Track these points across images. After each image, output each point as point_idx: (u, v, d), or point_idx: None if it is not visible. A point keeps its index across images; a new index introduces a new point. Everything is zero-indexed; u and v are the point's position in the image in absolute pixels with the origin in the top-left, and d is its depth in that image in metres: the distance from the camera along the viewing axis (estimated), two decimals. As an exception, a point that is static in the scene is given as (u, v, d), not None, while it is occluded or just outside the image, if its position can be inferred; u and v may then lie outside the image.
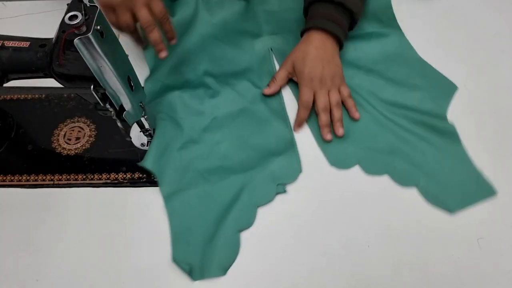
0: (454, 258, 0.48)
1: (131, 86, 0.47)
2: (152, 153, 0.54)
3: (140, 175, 0.55)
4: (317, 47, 0.60)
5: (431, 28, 0.70)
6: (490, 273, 0.47)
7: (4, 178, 0.56)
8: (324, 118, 0.58)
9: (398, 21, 0.70)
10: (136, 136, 0.58)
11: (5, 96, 0.63)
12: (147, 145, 0.57)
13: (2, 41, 0.44)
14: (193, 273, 0.47)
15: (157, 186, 0.54)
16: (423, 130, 0.57)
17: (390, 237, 0.50)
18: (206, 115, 0.59)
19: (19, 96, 0.64)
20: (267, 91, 0.61)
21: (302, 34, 0.63)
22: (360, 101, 0.60)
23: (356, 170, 0.55)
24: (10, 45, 0.44)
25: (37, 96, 0.64)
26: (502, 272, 0.47)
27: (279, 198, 0.53)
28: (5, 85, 0.46)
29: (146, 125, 0.56)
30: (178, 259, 0.48)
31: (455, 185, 0.53)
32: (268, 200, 0.52)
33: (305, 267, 0.48)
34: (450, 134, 0.57)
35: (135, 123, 0.54)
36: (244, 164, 0.55)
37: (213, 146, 0.56)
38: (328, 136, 0.57)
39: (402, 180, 0.54)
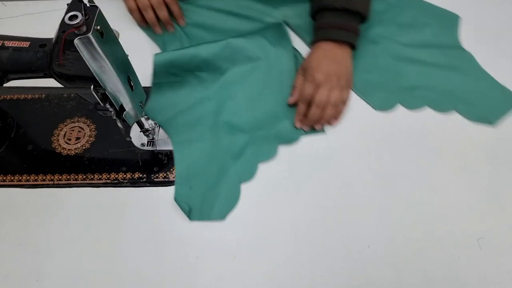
0: (454, 258, 0.48)
1: (131, 86, 0.47)
2: (158, 104, 0.58)
3: (140, 175, 0.55)
4: (326, 50, 0.60)
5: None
6: (490, 273, 0.47)
7: (4, 178, 0.56)
8: (313, 112, 0.57)
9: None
10: (136, 136, 0.58)
11: (5, 96, 0.63)
12: (147, 145, 0.58)
13: (2, 41, 0.44)
14: (192, 213, 0.52)
15: (156, 186, 0.55)
16: (444, 61, 0.64)
17: (390, 237, 0.50)
18: (221, 70, 0.62)
19: (19, 96, 0.64)
20: (291, 99, 0.60)
21: (313, 44, 0.63)
22: (384, 47, 0.66)
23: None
24: (10, 45, 0.44)
25: (37, 96, 0.64)
26: (502, 272, 0.47)
27: (279, 198, 0.53)
28: (5, 85, 0.46)
29: (146, 125, 0.56)
30: (179, 199, 0.52)
31: (486, 100, 0.60)
32: (269, 157, 0.56)
33: (305, 267, 0.48)
34: (468, 58, 0.64)
35: (135, 123, 0.54)
36: (250, 124, 0.59)
37: (224, 102, 0.59)
38: (298, 124, 0.59)
39: (442, 107, 0.60)
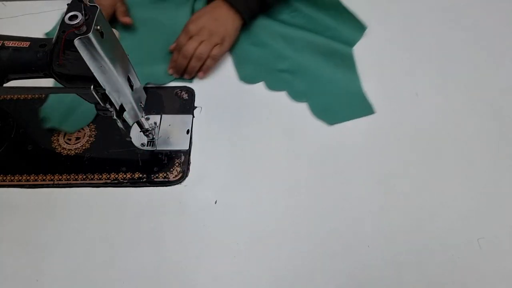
0: (454, 258, 0.48)
1: (131, 86, 0.47)
2: None
3: (140, 175, 0.55)
4: (214, 7, 0.63)
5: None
6: (490, 273, 0.47)
7: (4, 178, 0.56)
8: (180, 61, 0.61)
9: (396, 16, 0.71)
10: (136, 136, 0.58)
11: (5, 96, 0.63)
12: (147, 145, 0.58)
13: (2, 41, 0.44)
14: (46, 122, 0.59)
15: (156, 186, 0.55)
16: (328, 46, 0.65)
17: (390, 237, 0.50)
18: None
19: (19, 96, 0.64)
20: (171, 47, 0.64)
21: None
22: (279, 27, 0.67)
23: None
24: (10, 45, 0.44)
25: (37, 96, 0.64)
26: (502, 272, 0.47)
27: (278, 198, 0.53)
28: (5, 85, 0.46)
29: (146, 125, 0.56)
30: None
31: (340, 102, 0.61)
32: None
33: (305, 267, 0.48)
34: (348, 57, 0.65)
35: (135, 123, 0.54)
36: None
37: None
38: (170, 71, 0.63)
39: (296, 96, 0.62)
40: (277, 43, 0.66)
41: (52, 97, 0.61)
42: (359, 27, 0.67)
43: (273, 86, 0.63)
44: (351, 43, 0.67)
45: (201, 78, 0.63)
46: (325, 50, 0.65)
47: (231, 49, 0.66)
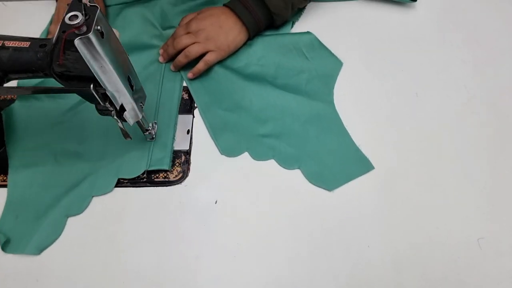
0: (454, 258, 0.48)
1: (131, 86, 0.47)
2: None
3: (140, 175, 0.55)
4: (223, 14, 0.61)
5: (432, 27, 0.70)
6: (490, 273, 0.47)
7: (4, 178, 0.56)
8: (170, 49, 0.62)
9: (399, 18, 0.70)
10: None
11: (5, 96, 0.63)
12: (147, 145, 0.57)
13: (2, 41, 0.44)
14: (9, 246, 0.49)
15: (156, 186, 0.55)
16: (309, 111, 0.60)
17: (390, 237, 0.50)
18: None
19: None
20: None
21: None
22: (255, 88, 0.62)
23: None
24: (10, 45, 0.44)
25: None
26: (502, 272, 0.47)
27: (278, 198, 0.53)
28: (5, 85, 0.46)
29: (146, 125, 0.56)
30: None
31: (335, 163, 0.55)
32: (104, 192, 0.54)
33: (305, 267, 0.48)
34: (333, 114, 0.60)
35: (135, 123, 0.54)
36: (95, 154, 0.56)
37: (73, 129, 0.57)
38: (161, 53, 0.64)
39: (286, 163, 0.56)
40: (253, 105, 0.60)
41: (6, 210, 0.52)
42: (335, 63, 0.64)
43: (259, 155, 0.56)
44: (331, 80, 0.63)
45: (190, 78, 0.62)
46: (307, 107, 0.60)
47: (205, 121, 0.59)
